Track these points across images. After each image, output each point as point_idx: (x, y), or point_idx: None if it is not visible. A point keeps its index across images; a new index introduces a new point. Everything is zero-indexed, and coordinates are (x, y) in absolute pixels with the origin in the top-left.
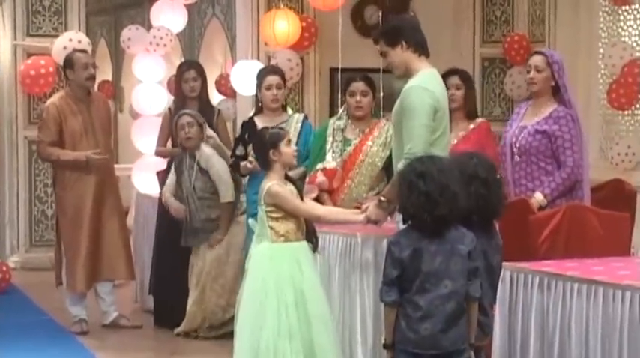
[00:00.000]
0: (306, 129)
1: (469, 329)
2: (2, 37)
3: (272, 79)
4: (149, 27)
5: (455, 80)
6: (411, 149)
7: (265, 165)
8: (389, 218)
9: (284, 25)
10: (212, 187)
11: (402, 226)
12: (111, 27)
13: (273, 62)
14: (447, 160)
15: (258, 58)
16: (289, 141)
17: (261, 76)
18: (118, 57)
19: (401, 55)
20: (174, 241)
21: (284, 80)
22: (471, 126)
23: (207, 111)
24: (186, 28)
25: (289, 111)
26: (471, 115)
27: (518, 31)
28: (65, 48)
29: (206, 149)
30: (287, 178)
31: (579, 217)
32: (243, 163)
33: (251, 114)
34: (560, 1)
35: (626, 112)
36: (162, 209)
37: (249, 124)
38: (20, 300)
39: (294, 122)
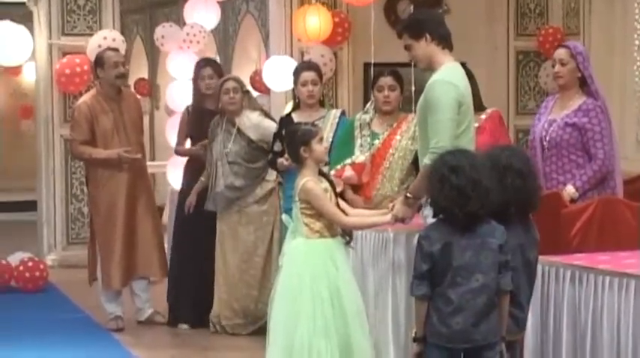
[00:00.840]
0: (342, 124)
1: (500, 322)
2: (38, 36)
3: (308, 75)
4: (183, 24)
5: None
6: (437, 143)
7: (297, 160)
8: (416, 214)
9: (315, 21)
10: (247, 154)
11: (430, 221)
12: (146, 24)
13: (306, 58)
14: (480, 154)
15: (291, 54)
16: (321, 138)
17: (297, 72)
18: (154, 54)
19: (425, 47)
20: (193, 237)
21: (320, 76)
22: (483, 116)
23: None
24: (220, 24)
25: (327, 107)
26: (479, 106)
27: (553, 23)
28: (100, 46)
29: (252, 115)
30: (322, 174)
31: (611, 210)
32: (279, 160)
33: (288, 110)
34: None
35: None
36: (179, 204)
37: (286, 120)
38: (57, 298)
39: (331, 118)
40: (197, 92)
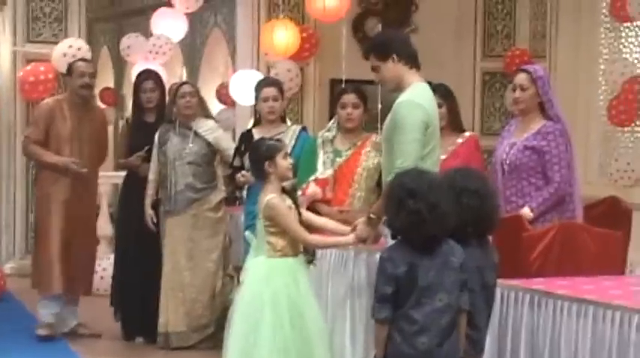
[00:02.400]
0: (302, 140)
1: (459, 341)
2: (2, 42)
3: (269, 91)
4: (151, 35)
5: (435, 99)
6: (402, 163)
7: (260, 176)
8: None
9: (283, 36)
10: (206, 155)
11: (390, 240)
12: (114, 34)
13: (273, 72)
14: (437, 176)
15: (258, 68)
16: (286, 154)
17: (259, 87)
18: (120, 64)
19: (392, 68)
20: (137, 251)
21: (282, 92)
22: (459, 140)
23: (163, 121)
24: (188, 36)
25: (288, 122)
26: (458, 128)
27: (520, 45)
28: (65, 55)
29: (208, 121)
30: (284, 191)
31: (572, 235)
32: (237, 175)
33: (249, 125)
34: (561, 17)
35: (626, 129)
36: (119, 220)
37: (246, 136)
38: (14, 307)
39: (290, 133)
40: (137, 105)
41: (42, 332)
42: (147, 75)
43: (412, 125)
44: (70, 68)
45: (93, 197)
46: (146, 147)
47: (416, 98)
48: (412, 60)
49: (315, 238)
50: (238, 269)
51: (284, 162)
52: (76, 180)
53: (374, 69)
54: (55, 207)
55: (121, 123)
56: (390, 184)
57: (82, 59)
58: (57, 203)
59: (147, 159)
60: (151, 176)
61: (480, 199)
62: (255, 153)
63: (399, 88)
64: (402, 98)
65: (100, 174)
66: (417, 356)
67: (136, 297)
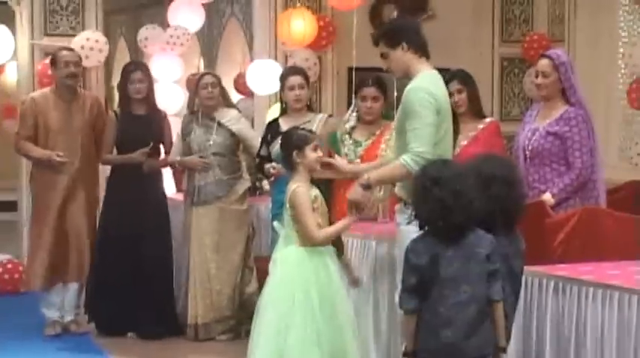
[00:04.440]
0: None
1: (496, 332)
2: (20, 36)
3: (294, 80)
4: (167, 26)
5: (455, 85)
6: (417, 147)
7: (289, 165)
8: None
9: (300, 25)
10: (231, 146)
11: (402, 228)
12: (130, 26)
13: (290, 62)
14: (463, 165)
15: (275, 58)
16: (317, 146)
17: (284, 76)
18: (138, 56)
19: (402, 56)
20: (119, 234)
21: (307, 80)
22: (480, 126)
23: (154, 114)
24: (205, 27)
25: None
26: (478, 114)
27: (538, 30)
28: (82, 47)
29: (230, 111)
30: (313, 182)
31: (595, 220)
32: (267, 166)
33: (271, 113)
34: (580, 1)
35: None
36: (102, 223)
37: (273, 125)
38: (37, 300)
39: (316, 121)
40: (125, 96)
41: (49, 331)
42: (135, 66)
43: (424, 110)
44: (54, 58)
45: (92, 188)
46: (151, 144)
47: (424, 84)
48: (422, 49)
49: (320, 234)
50: (259, 259)
51: (313, 154)
52: (69, 173)
53: (383, 56)
54: (50, 204)
55: (110, 114)
56: (415, 175)
57: (65, 48)
58: (52, 198)
59: (150, 154)
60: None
61: (508, 187)
62: (286, 142)
63: (407, 75)
64: (411, 85)
65: None
66: (442, 349)
67: (121, 293)
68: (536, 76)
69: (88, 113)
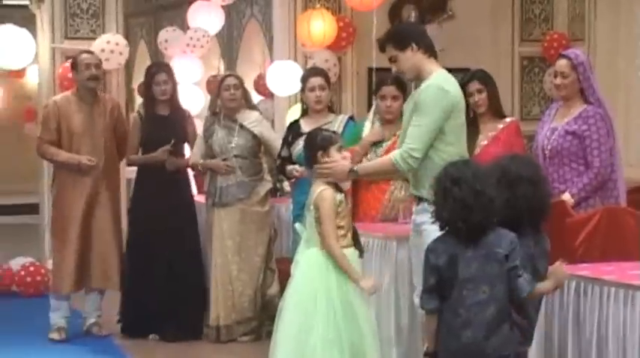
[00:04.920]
0: (349, 129)
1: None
2: (41, 40)
3: (315, 81)
4: (187, 28)
5: (475, 85)
6: (410, 145)
7: (312, 166)
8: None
9: (320, 26)
10: (252, 148)
11: (426, 226)
12: (150, 28)
13: (310, 63)
14: (486, 165)
15: (295, 59)
16: (341, 147)
17: (305, 77)
18: (158, 58)
19: (412, 57)
20: (149, 250)
21: (328, 81)
22: (500, 125)
23: (177, 114)
24: (224, 28)
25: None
26: (498, 114)
27: (558, 29)
28: (103, 50)
29: (252, 113)
30: (337, 187)
31: (616, 220)
32: (290, 167)
33: (292, 114)
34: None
35: None
36: (132, 222)
37: (294, 126)
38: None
39: (337, 122)
40: (150, 98)
41: (53, 336)
42: (159, 67)
43: (434, 111)
44: (75, 62)
45: (115, 192)
46: (172, 141)
47: (441, 82)
48: (430, 49)
49: (336, 248)
50: (280, 261)
51: (337, 155)
52: (93, 175)
53: (392, 59)
54: (74, 207)
55: (132, 115)
56: (436, 176)
57: (85, 51)
58: (76, 202)
59: (173, 153)
60: (197, 160)
61: (534, 186)
62: (310, 143)
63: (418, 77)
64: (427, 83)
65: None
66: (463, 349)
67: (150, 295)
68: (555, 77)
69: (109, 116)
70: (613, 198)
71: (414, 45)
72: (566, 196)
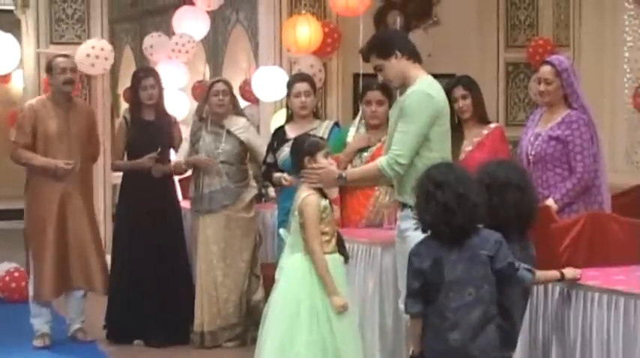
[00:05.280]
0: (334, 135)
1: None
2: (26, 44)
3: (300, 86)
4: (173, 34)
5: (459, 91)
6: (397, 151)
7: (299, 171)
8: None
9: (306, 31)
10: (239, 154)
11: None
12: (136, 34)
13: (295, 68)
14: (473, 171)
15: (280, 64)
16: (328, 153)
17: (291, 83)
18: (144, 63)
19: (396, 65)
20: (134, 254)
21: (314, 87)
22: (485, 131)
23: (163, 120)
24: (210, 34)
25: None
26: (483, 119)
27: (543, 35)
28: (88, 55)
29: (240, 120)
30: (322, 193)
31: (601, 225)
32: (277, 175)
33: (277, 120)
34: (584, 5)
35: None
36: (117, 228)
37: (279, 132)
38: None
39: (323, 128)
40: (136, 102)
41: (37, 343)
42: (146, 72)
43: (419, 117)
44: (50, 65)
45: (89, 195)
46: (159, 148)
47: (426, 88)
48: (414, 54)
49: (320, 257)
50: (265, 266)
51: (324, 161)
52: (66, 180)
53: (377, 68)
54: (47, 211)
55: (118, 121)
56: (419, 179)
57: (61, 55)
58: (49, 206)
59: (159, 159)
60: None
61: (522, 193)
62: (297, 149)
63: (405, 83)
64: (412, 89)
65: None
66: (450, 351)
67: (136, 301)
68: (539, 83)
69: (84, 120)
70: (597, 204)
71: (397, 52)
72: (550, 202)
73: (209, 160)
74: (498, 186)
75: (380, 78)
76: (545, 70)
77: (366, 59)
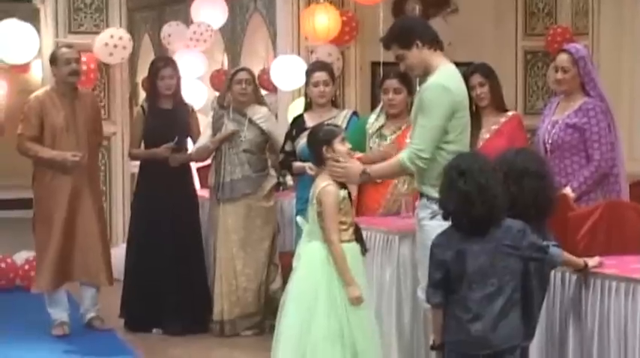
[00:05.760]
0: (353, 124)
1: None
2: (44, 34)
3: (319, 76)
4: (191, 22)
5: (477, 79)
6: (417, 146)
7: (318, 161)
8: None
9: (324, 20)
10: (260, 144)
11: (425, 223)
12: (155, 22)
13: (313, 57)
14: (493, 159)
15: (298, 53)
16: (344, 138)
17: (309, 72)
18: (162, 52)
19: (418, 54)
20: (153, 241)
21: (332, 76)
22: (503, 119)
23: (181, 109)
24: (228, 22)
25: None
26: (500, 107)
27: (562, 23)
28: (106, 44)
29: (262, 109)
30: (341, 183)
31: (619, 213)
32: (300, 164)
33: (295, 108)
34: None
35: None
36: (135, 212)
37: (298, 120)
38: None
39: (341, 117)
40: (154, 91)
41: (56, 332)
42: (164, 62)
43: (437, 110)
44: (54, 56)
45: (97, 188)
46: (176, 138)
47: (444, 81)
48: (435, 42)
49: (338, 248)
50: (283, 255)
51: (342, 147)
52: (75, 171)
53: (398, 58)
54: (57, 204)
55: (135, 109)
56: (445, 165)
57: (65, 45)
58: (60, 199)
59: (176, 149)
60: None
61: (541, 180)
62: (313, 139)
63: (426, 72)
64: (432, 80)
65: None
66: (471, 342)
67: (153, 289)
68: (556, 71)
69: (90, 110)
70: (615, 193)
71: (418, 42)
72: (567, 190)
73: (234, 130)
74: (516, 175)
75: (402, 67)
76: (563, 58)
77: (387, 48)
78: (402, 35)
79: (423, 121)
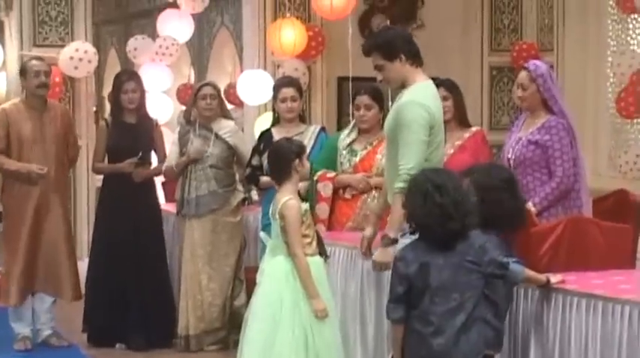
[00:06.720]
0: (321, 140)
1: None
2: (9, 47)
3: (287, 91)
4: (157, 36)
5: (441, 92)
6: (406, 164)
7: (284, 176)
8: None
9: (290, 35)
10: (227, 158)
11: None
12: (121, 36)
13: (280, 72)
14: (462, 175)
15: (265, 68)
16: (307, 155)
17: (277, 87)
18: (128, 66)
19: (399, 68)
20: (113, 254)
21: (300, 91)
22: (467, 134)
23: (145, 123)
24: (195, 36)
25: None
26: (464, 123)
27: (527, 39)
28: (72, 58)
29: (228, 123)
30: (301, 197)
31: (581, 229)
32: (266, 179)
33: (262, 123)
34: (568, 10)
35: (634, 121)
36: (96, 228)
37: (266, 135)
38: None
39: (309, 133)
40: (118, 105)
41: (18, 346)
42: (128, 75)
43: (417, 125)
44: (24, 68)
45: (65, 200)
46: (140, 153)
47: (419, 98)
48: (417, 58)
49: (303, 261)
50: (248, 270)
51: (307, 164)
52: (42, 183)
53: (377, 67)
54: (24, 216)
55: (101, 123)
56: (414, 178)
57: (35, 58)
58: (26, 210)
59: (140, 164)
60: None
61: (506, 194)
62: (284, 152)
63: (403, 86)
64: (406, 98)
65: None
66: (434, 357)
67: (116, 304)
68: (517, 88)
69: (60, 122)
70: (576, 208)
71: (402, 56)
72: (529, 205)
73: (199, 150)
74: (484, 188)
75: (379, 76)
76: (522, 75)
77: (367, 54)
78: (387, 47)
79: (406, 139)
